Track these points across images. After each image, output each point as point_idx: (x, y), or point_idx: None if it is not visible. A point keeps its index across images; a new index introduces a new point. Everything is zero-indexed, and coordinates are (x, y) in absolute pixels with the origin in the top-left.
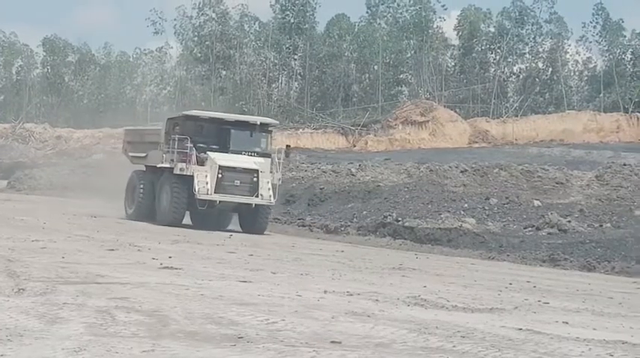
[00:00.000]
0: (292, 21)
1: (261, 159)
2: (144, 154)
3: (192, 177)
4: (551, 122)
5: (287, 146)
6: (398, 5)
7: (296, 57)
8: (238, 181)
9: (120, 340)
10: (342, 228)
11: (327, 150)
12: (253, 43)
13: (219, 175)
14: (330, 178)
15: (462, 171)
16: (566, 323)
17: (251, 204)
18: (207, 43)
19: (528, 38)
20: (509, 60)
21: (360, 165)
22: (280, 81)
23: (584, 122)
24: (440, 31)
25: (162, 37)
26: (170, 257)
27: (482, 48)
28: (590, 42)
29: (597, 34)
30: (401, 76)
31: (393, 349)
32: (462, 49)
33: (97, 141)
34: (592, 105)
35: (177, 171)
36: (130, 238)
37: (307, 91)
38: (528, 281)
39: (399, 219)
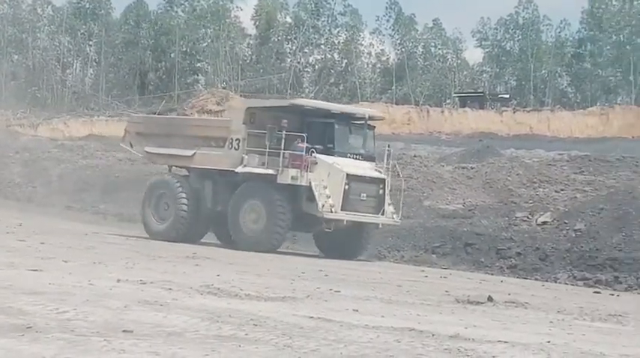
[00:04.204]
0: (88, 6)
1: (370, 164)
2: (188, 153)
3: (301, 188)
4: None
5: (388, 145)
6: None
7: (91, 43)
8: (364, 194)
9: None
10: (138, 216)
11: None
12: (47, 27)
13: (346, 187)
14: (125, 166)
15: None
16: (357, 310)
17: (377, 225)
18: None
19: (324, 30)
20: (305, 51)
21: None
22: (75, 67)
23: None
24: (237, 20)
25: None
26: None
27: (279, 38)
28: (384, 35)
29: (390, 28)
30: (197, 64)
31: (185, 338)
32: (258, 38)
33: None
34: (385, 98)
35: (285, 181)
36: None
37: (103, 78)
38: (321, 271)
39: None
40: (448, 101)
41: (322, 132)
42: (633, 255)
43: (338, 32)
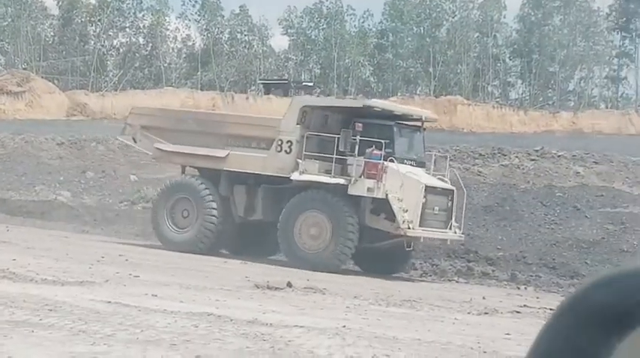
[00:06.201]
0: None
1: (424, 171)
2: (220, 153)
3: (364, 199)
4: (150, 98)
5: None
6: None
7: None
8: (437, 208)
9: None
10: None
11: None
12: None
13: (424, 200)
14: None
15: (58, 144)
16: (155, 295)
17: (445, 240)
18: None
19: (129, 12)
20: (109, 33)
21: None
22: None
23: (181, 99)
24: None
25: None
26: None
27: (83, 20)
28: (190, 20)
29: (196, 13)
30: None
31: None
32: (61, 19)
33: None
34: (190, 83)
35: (358, 192)
36: None
37: None
38: (121, 255)
39: None
40: (253, 88)
41: (379, 136)
42: (428, 243)
43: (143, 15)
